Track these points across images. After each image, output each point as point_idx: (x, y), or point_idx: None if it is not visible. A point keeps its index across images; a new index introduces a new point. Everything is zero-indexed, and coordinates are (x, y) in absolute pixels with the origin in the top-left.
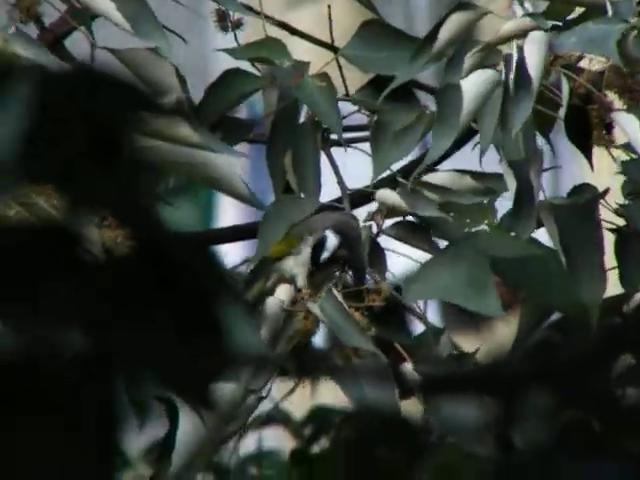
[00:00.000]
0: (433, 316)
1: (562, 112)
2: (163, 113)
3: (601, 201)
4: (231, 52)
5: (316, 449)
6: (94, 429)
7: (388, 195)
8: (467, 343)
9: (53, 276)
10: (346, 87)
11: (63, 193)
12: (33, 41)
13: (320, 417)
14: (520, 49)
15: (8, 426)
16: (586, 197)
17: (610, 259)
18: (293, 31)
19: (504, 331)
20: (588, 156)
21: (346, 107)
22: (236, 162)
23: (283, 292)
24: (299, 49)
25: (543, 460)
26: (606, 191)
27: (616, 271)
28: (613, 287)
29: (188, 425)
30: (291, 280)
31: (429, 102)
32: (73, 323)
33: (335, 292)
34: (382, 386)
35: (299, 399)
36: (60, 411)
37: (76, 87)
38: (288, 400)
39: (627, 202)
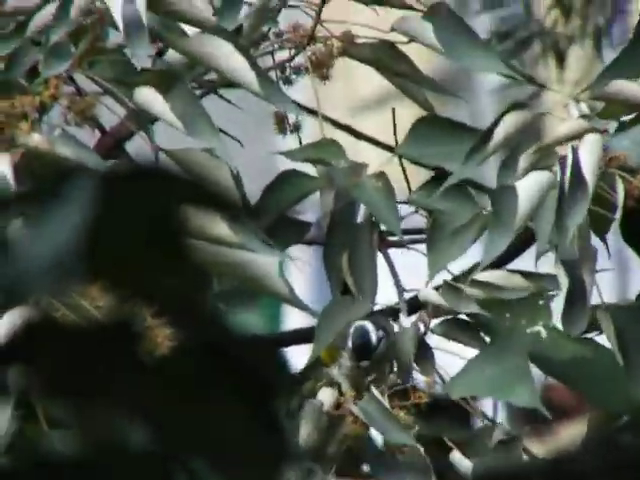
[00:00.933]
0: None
1: (618, 213)
2: (223, 211)
3: None
4: (288, 154)
5: None
6: None
7: (430, 294)
8: (536, 449)
9: (110, 375)
10: (410, 189)
11: (119, 292)
12: (80, 143)
13: None
14: (575, 151)
15: None
16: None
17: None
18: (357, 134)
19: (572, 436)
20: None
21: (406, 210)
22: (275, 261)
23: (325, 395)
24: (363, 155)
25: None
26: None
27: None
28: None
29: None
30: (335, 385)
31: (486, 202)
32: (132, 424)
33: (376, 391)
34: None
35: None
36: None
37: (132, 186)
38: None
39: None
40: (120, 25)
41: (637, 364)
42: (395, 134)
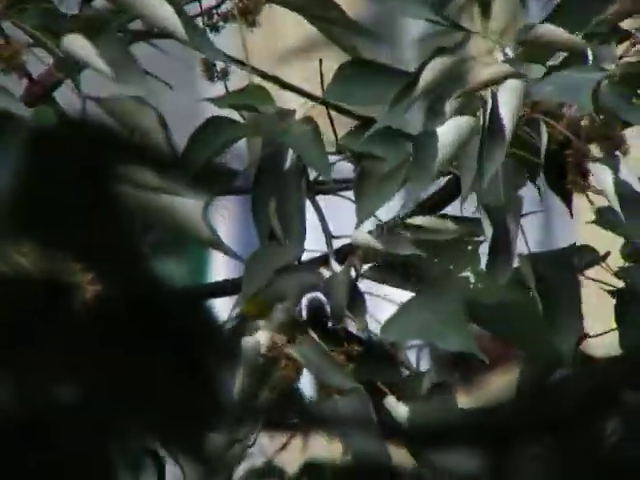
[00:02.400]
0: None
1: (540, 158)
2: (144, 159)
3: (602, 263)
4: (215, 100)
5: None
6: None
7: (364, 237)
8: (462, 399)
9: (41, 329)
10: (337, 140)
11: (47, 244)
12: (6, 91)
13: (313, 472)
14: (494, 96)
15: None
16: (588, 260)
17: (610, 321)
18: (283, 84)
19: (499, 386)
20: (567, 202)
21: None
22: (199, 206)
23: (261, 337)
24: (289, 105)
25: None
26: (606, 255)
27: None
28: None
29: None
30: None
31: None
32: (63, 376)
33: (313, 334)
34: (368, 431)
35: (293, 453)
36: (52, 465)
37: (59, 139)
38: (281, 454)
39: (627, 265)
40: None
41: (554, 310)
42: (322, 83)
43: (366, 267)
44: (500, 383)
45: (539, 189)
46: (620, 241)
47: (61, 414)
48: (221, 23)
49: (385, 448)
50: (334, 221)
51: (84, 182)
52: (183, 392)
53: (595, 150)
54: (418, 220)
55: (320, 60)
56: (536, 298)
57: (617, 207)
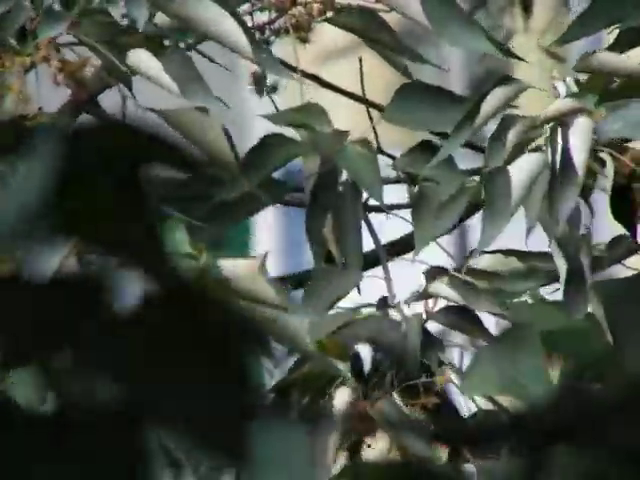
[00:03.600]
0: None
1: (607, 191)
2: (205, 170)
3: None
4: (271, 117)
5: None
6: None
7: (440, 288)
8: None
9: (81, 328)
10: (377, 140)
11: (90, 247)
12: None
13: (355, 474)
14: (565, 134)
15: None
16: (626, 249)
17: None
18: (328, 85)
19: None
20: (633, 234)
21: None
22: (305, 323)
23: (343, 395)
24: (334, 103)
25: None
26: None
27: None
28: None
29: None
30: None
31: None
32: (103, 375)
33: (392, 394)
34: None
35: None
36: (91, 462)
37: (106, 141)
38: None
39: None
40: None
41: (623, 339)
42: (362, 83)
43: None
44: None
45: (591, 207)
46: None
47: (102, 412)
48: (273, 37)
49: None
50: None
51: (124, 185)
52: (219, 393)
53: None
54: (483, 261)
55: (360, 59)
56: (604, 327)
57: None
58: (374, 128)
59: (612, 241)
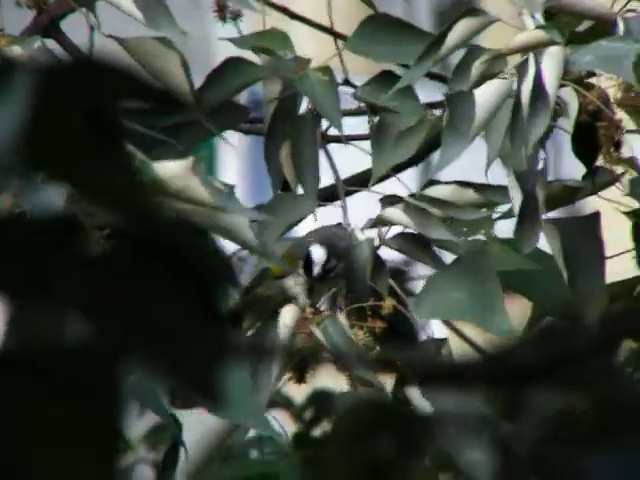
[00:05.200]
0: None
1: (569, 127)
2: (165, 102)
3: (616, 184)
4: (235, 41)
5: (317, 432)
6: (97, 413)
7: (394, 214)
8: (471, 331)
9: (53, 266)
10: (346, 73)
11: (60, 185)
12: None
13: (320, 401)
14: (537, 62)
15: (11, 413)
16: (603, 180)
17: (625, 241)
18: (293, 16)
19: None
20: (593, 173)
21: (345, 94)
22: (245, 221)
23: (288, 312)
24: (299, 35)
25: (544, 454)
26: (620, 175)
27: (631, 254)
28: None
29: (194, 436)
30: (293, 299)
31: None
32: (75, 312)
33: (338, 313)
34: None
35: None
36: (63, 397)
37: (76, 78)
38: (288, 384)
39: None
40: None
41: (579, 277)
42: (330, 15)
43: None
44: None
45: (547, 156)
46: None
47: (72, 352)
48: None
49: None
50: (344, 169)
51: (92, 122)
52: (194, 330)
53: (627, 122)
54: (440, 190)
55: None
56: (561, 266)
57: None
58: (341, 59)
59: (595, 216)
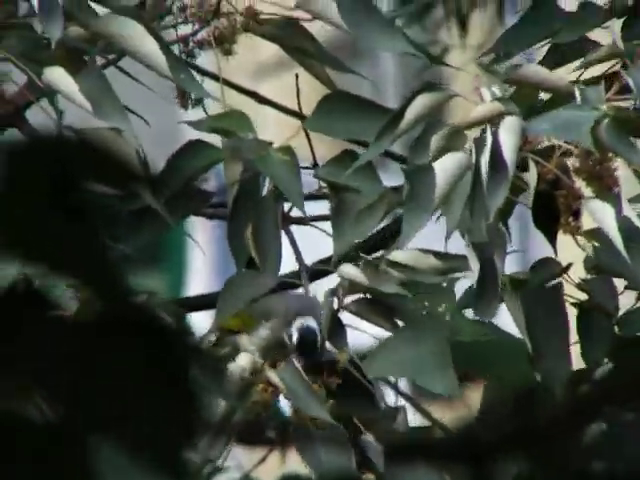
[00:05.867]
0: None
1: (530, 198)
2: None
3: (564, 275)
4: (194, 124)
5: None
6: None
7: (350, 270)
8: (437, 412)
9: (23, 339)
10: (314, 157)
11: (31, 259)
12: None
13: None
14: (494, 134)
15: None
16: (550, 273)
17: (572, 334)
18: (260, 100)
19: (473, 400)
20: (553, 242)
21: (309, 179)
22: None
23: (244, 360)
24: (267, 120)
25: None
26: (569, 266)
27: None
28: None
29: None
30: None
31: (392, 179)
32: (42, 386)
33: (295, 361)
34: (340, 454)
35: (269, 468)
36: (30, 475)
37: (33, 154)
38: (257, 470)
39: (589, 277)
40: (35, 2)
41: (542, 346)
42: (298, 98)
43: (348, 300)
44: (471, 402)
45: (508, 229)
46: (582, 254)
47: (41, 424)
48: (197, 50)
49: (352, 466)
50: (308, 252)
51: (56, 196)
52: (162, 406)
53: (585, 190)
54: (401, 255)
55: (296, 75)
56: (524, 336)
57: (620, 246)
58: (309, 140)
59: (537, 263)
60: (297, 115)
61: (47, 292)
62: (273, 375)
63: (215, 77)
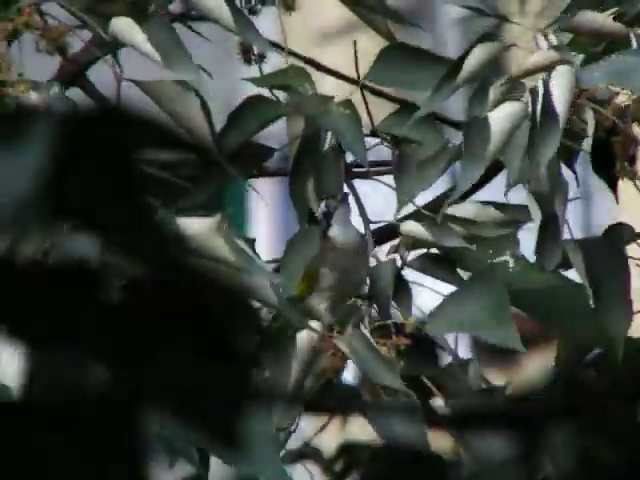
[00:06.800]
0: (463, 349)
1: (588, 145)
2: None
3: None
4: (254, 80)
5: None
6: (124, 465)
7: (413, 227)
8: (496, 377)
9: (74, 314)
10: (372, 122)
11: (86, 232)
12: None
13: (350, 453)
14: (546, 83)
15: (28, 461)
16: (622, 237)
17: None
18: (319, 67)
19: (534, 365)
20: (613, 188)
21: (371, 143)
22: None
23: (304, 336)
24: (326, 86)
25: None
26: None
27: None
28: None
29: (219, 468)
30: (318, 317)
31: (452, 135)
32: (99, 361)
33: (362, 328)
34: (412, 422)
35: (330, 435)
36: (90, 447)
37: (98, 127)
38: (319, 436)
39: None
40: None
41: (605, 298)
42: (356, 66)
43: (411, 257)
44: (537, 364)
45: (576, 175)
46: None
47: (94, 398)
48: (259, 6)
49: (424, 435)
50: (369, 206)
51: (114, 170)
52: (217, 376)
53: None
54: (462, 208)
55: (354, 42)
56: (584, 284)
57: None
58: (368, 111)
59: (610, 228)
60: (355, 82)
61: (97, 267)
62: (341, 343)
63: (277, 45)
